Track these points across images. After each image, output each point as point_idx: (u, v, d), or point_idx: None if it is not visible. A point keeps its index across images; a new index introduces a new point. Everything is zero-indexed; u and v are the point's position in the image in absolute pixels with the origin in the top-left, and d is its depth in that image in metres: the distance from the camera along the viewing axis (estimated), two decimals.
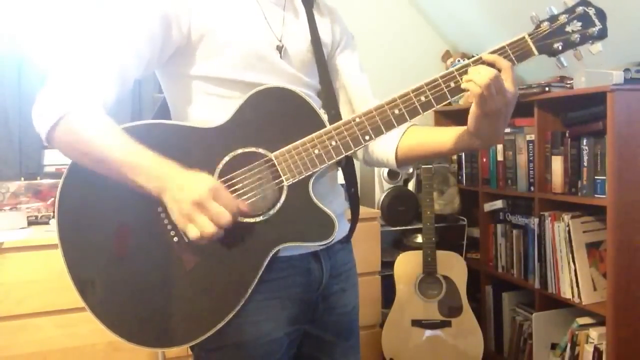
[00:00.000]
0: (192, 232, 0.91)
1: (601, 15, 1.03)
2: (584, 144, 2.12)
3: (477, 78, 0.98)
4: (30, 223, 2.19)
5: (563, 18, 1.03)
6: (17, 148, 2.32)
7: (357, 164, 1.30)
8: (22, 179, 2.26)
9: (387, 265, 2.54)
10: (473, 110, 1.03)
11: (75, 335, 2.00)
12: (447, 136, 1.13)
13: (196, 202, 0.91)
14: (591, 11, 1.02)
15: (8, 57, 2.31)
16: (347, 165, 1.18)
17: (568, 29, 1.03)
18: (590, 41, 1.03)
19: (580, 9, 1.03)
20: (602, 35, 1.02)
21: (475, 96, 0.99)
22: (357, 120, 1.04)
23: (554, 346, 2.32)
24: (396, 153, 1.20)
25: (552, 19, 1.03)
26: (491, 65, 1.00)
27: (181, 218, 0.93)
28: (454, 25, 2.97)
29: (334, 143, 1.04)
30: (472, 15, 2.73)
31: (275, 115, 1.05)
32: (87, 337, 2.00)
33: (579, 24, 1.02)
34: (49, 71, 2.30)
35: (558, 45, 1.03)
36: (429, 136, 1.18)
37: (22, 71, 2.33)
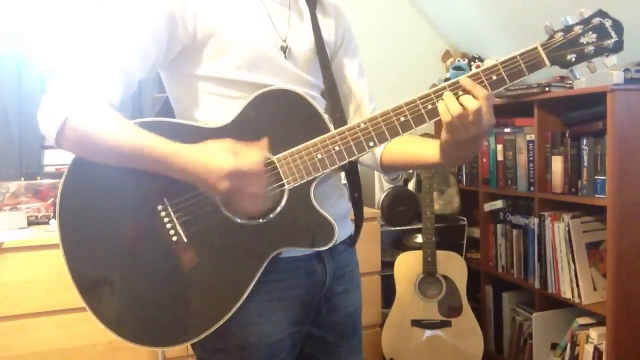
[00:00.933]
0: (245, 207, 0.98)
1: (618, 27, 0.99)
2: (584, 144, 2.12)
3: (451, 105, 0.97)
4: (30, 223, 2.19)
5: (578, 29, 1.00)
6: (17, 148, 2.32)
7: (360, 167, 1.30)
8: (22, 179, 2.26)
9: (387, 265, 2.54)
10: (443, 135, 1.03)
11: (75, 335, 2.00)
12: (426, 149, 1.13)
13: (227, 194, 0.94)
14: (607, 23, 0.99)
15: (8, 57, 2.31)
16: (350, 169, 1.17)
17: (582, 40, 1.00)
18: (606, 54, 1.00)
19: (596, 20, 0.99)
20: (617, 48, 0.99)
21: (445, 123, 0.99)
22: (362, 125, 1.04)
23: (554, 346, 2.32)
24: (381, 159, 1.21)
25: (567, 29, 1.00)
26: (467, 92, 0.99)
27: (225, 197, 0.97)
28: (454, 25, 2.97)
29: (337, 148, 1.03)
30: (472, 15, 2.73)
31: (279, 118, 1.05)
32: (87, 337, 2.00)
33: (594, 35, 0.99)
34: (49, 71, 2.31)
35: (571, 57, 1.00)
36: (411, 147, 1.18)
37: (22, 71, 2.33)
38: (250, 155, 0.94)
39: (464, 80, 1.00)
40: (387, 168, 1.23)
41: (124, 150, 0.95)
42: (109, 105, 0.97)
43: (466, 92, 0.99)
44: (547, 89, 2.23)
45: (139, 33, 1.00)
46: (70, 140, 0.96)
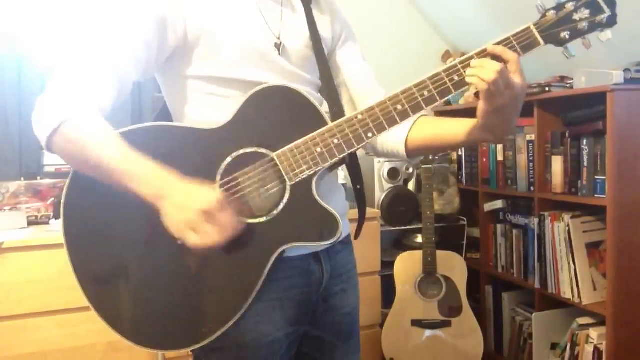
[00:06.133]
0: (193, 239, 0.90)
1: (610, 1, 0.99)
2: (584, 144, 2.12)
3: (482, 73, 0.96)
4: (30, 223, 2.18)
5: (570, 6, 1.00)
6: (17, 148, 2.32)
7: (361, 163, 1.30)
8: (22, 179, 2.26)
9: (387, 265, 2.54)
10: (481, 106, 1.01)
11: (75, 335, 1.99)
12: (458, 128, 1.11)
13: (205, 211, 0.90)
14: None
15: (8, 57, 2.31)
16: (351, 161, 1.17)
17: (575, 17, 0.99)
18: (600, 29, 1.00)
19: None
20: (611, 22, 0.99)
21: (481, 92, 0.98)
22: (360, 117, 1.03)
23: (554, 346, 2.32)
24: (406, 144, 1.19)
25: (559, 7, 1.00)
26: (496, 57, 0.98)
27: (182, 224, 0.91)
28: (454, 25, 2.97)
29: (336, 141, 1.03)
30: (472, 14, 2.73)
31: (276, 114, 1.04)
32: (87, 337, 2.00)
33: (587, 11, 0.99)
34: (48, 71, 2.31)
35: (565, 34, 1.00)
36: (441, 128, 1.17)
37: (22, 71, 2.33)
38: (228, 214, 0.93)
39: (491, 47, 0.99)
40: (414, 153, 1.21)
41: (103, 169, 0.94)
42: (102, 110, 0.97)
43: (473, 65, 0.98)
44: (547, 89, 2.23)
45: (130, 39, 1.00)
46: (59, 148, 0.97)
